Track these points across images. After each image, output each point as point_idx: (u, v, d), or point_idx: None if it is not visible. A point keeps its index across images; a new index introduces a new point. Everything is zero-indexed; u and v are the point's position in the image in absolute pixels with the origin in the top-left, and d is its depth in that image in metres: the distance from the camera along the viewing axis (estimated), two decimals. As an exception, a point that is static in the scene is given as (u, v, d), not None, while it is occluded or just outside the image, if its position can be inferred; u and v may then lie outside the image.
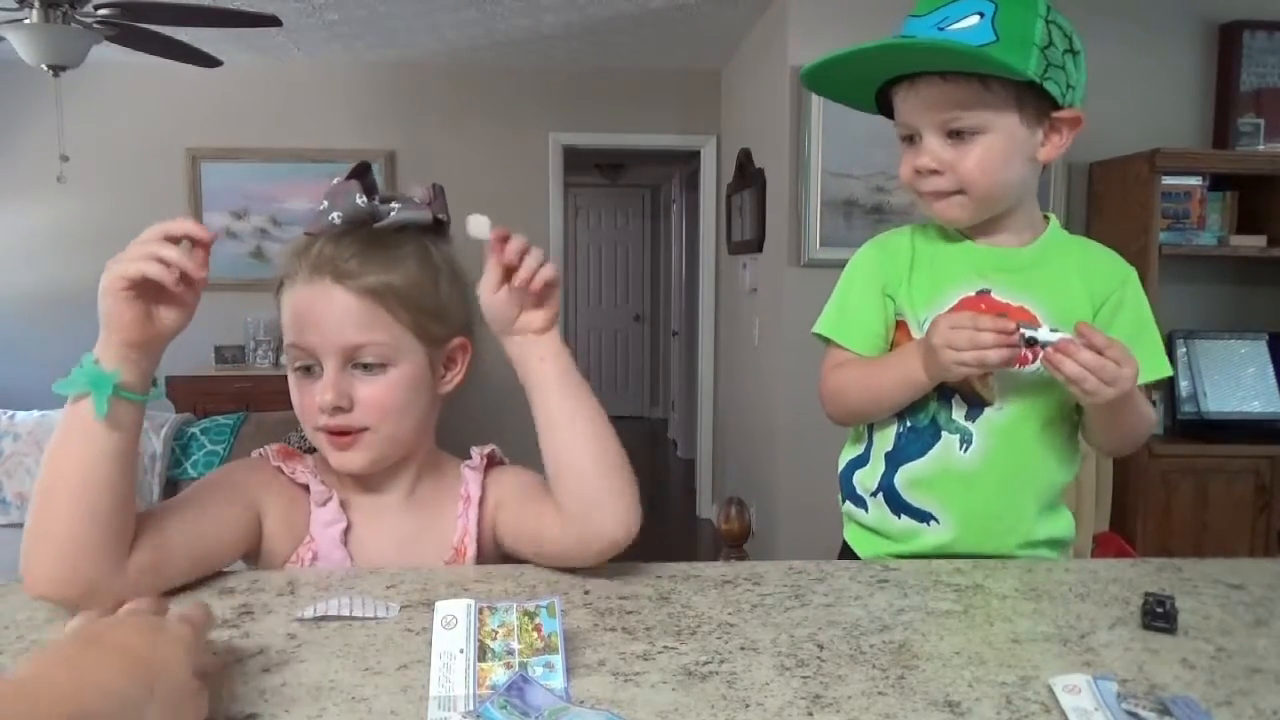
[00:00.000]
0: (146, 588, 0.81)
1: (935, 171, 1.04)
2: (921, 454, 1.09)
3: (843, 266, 1.18)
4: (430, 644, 0.67)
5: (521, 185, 4.69)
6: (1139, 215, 3.06)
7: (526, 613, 0.70)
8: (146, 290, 0.78)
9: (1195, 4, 3.37)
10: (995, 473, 1.07)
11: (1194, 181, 3.13)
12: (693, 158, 5.08)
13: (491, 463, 1.03)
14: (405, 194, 0.95)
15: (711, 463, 4.97)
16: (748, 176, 3.97)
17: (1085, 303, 1.08)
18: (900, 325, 1.12)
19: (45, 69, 2.89)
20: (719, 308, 4.84)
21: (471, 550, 0.97)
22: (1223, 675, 0.71)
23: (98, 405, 0.76)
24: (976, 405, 1.07)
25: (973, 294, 1.08)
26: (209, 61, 3.32)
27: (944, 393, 1.07)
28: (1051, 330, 0.94)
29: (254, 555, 0.94)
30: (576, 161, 5.37)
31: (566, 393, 0.89)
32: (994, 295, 1.07)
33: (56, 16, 2.79)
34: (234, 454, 2.56)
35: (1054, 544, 1.14)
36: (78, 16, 2.84)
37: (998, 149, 1.02)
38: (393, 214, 0.92)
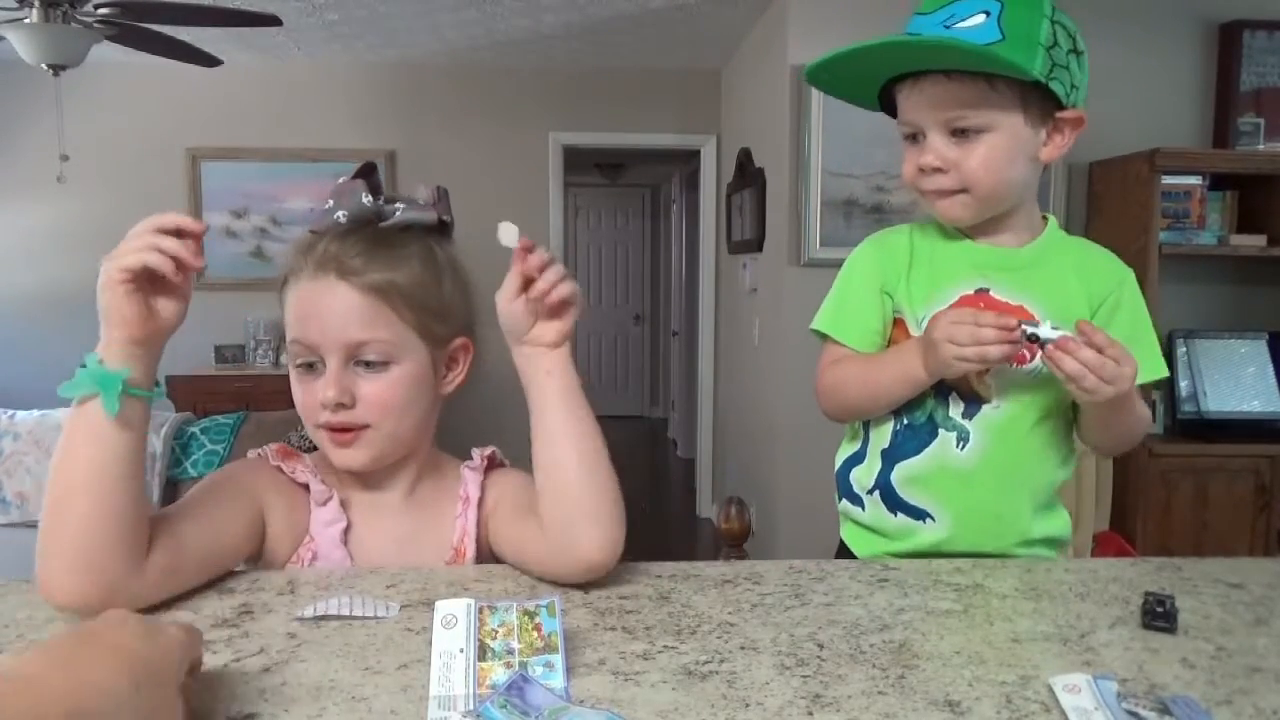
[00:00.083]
0: (165, 590, 0.82)
1: (939, 170, 1.04)
2: (918, 451, 1.09)
3: (842, 266, 1.18)
4: (430, 643, 0.67)
5: (521, 185, 4.69)
6: (1139, 215, 3.06)
7: (526, 612, 0.70)
8: (145, 283, 0.78)
9: (1195, 4, 3.37)
10: (992, 471, 1.07)
11: (1194, 181, 3.14)
12: (693, 157, 5.08)
13: (492, 464, 1.03)
14: (409, 195, 0.95)
15: (711, 462, 4.97)
16: (748, 176, 3.97)
17: (1083, 303, 1.08)
18: (898, 323, 1.12)
19: (45, 69, 2.89)
20: (719, 308, 4.84)
21: (471, 551, 0.97)
22: (1223, 675, 0.71)
23: (108, 404, 0.75)
24: (974, 403, 1.07)
25: (971, 293, 1.08)
26: (209, 61, 3.32)
27: (941, 390, 1.08)
28: (1053, 328, 0.94)
29: (255, 555, 0.94)
30: (576, 161, 5.37)
31: (567, 410, 0.89)
32: (993, 294, 1.07)
33: (56, 16, 2.79)
34: (234, 454, 2.56)
35: (1050, 543, 1.14)
36: (78, 16, 2.84)
37: (1002, 148, 1.02)
38: (398, 214, 0.93)
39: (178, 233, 0.78)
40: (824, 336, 1.16)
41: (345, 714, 0.64)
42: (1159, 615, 0.80)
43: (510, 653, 0.67)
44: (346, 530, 0.95)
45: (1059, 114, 1.03)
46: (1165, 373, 1.09)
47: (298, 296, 0.92)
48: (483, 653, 0.67)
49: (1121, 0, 3.29)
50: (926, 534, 1.10)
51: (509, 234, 0.86)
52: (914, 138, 1.06)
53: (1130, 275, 1.12)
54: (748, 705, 0.65)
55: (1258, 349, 3.29)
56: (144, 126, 4.55)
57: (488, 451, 1.02)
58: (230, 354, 4.50)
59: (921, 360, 1.03)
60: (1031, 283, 1.08)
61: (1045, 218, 1.14)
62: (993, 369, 1.03)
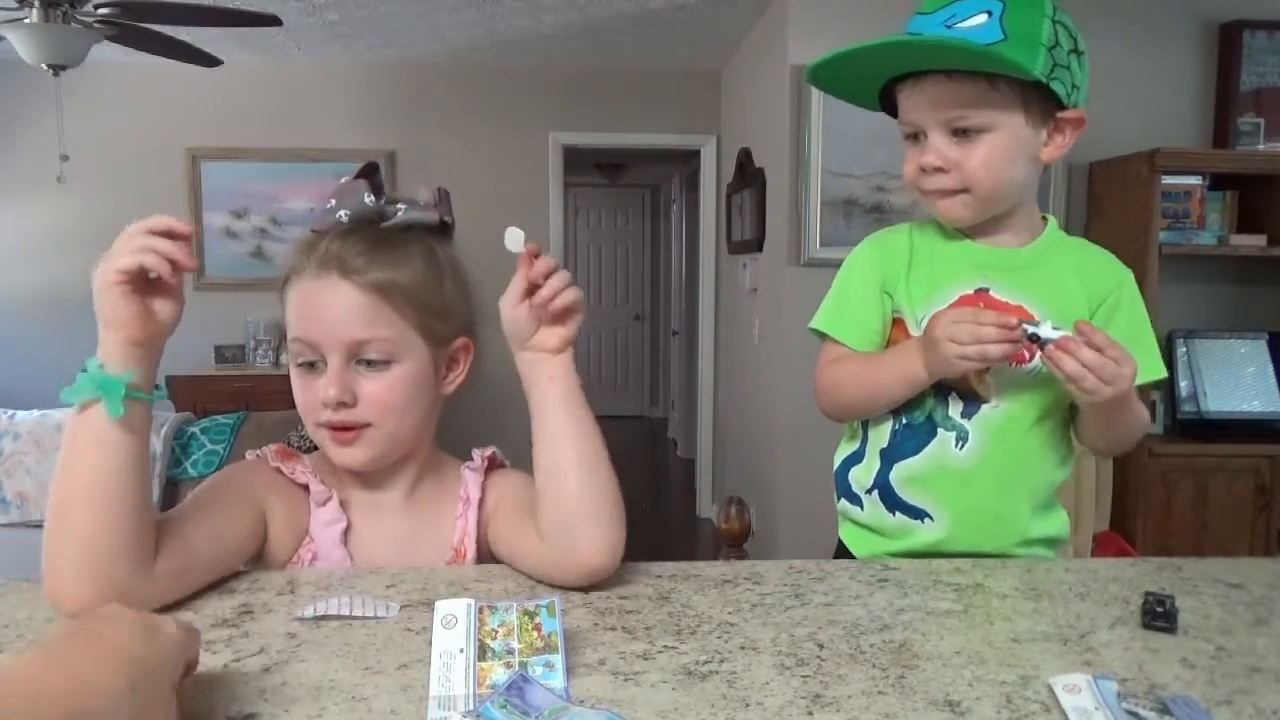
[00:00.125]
0: (173, 593, 0.82)
1: (940, 169, 1.04)
2: (917, 451, 1.09)
3: (842, 265, 1.18)
4: (430, 643, 0.67)
5: (521, 185, 4.69)
6: (1139, 215, 3.06)
7: (526, 612, 0.70)
8: (140, 285, 0.78)
9: (1195, 4, 3.37)
10: (991, 470, 1.07)
11: (1194, 181, 3.14)
12: (693, 157, 5.08)
13: (492, 465, 1.03)
14: (410, 196, 0.95)
15: (711, 462, 4.97)
16: (748, 176, 3.97)
17: (1082, 303, 1.08)
18: (897, 323, 1.12)
19: (45, 69, 2.89)
20: (719, 307, 4.84)
21: (471, 552, 0.97)
22: (1223, 675, 0.71)
23: (111, 408, 0.75)
24: (973, 403, 1.07)
25: (971, 292, 1.08)
26: (209, 61, 3.32)
27: (941, 390, 1.08)
28: (1054, 328, 0.94)
29: (256, 556, 0.94)
30: (576, 161, 5.37)
31: (568, 416, 0.89)
32: (992, 294, 1.07)
33: (56, 16, 2.79)
34: (234, 453, 2.56)
35: (1048, 542, 1.14)
36: (78, 16, 2.84)
37: (1003, 148, 1.02)
38: (399, 214, 0.93)
39: (168, 235, 0.78)
40: (823, 335, 1.16)
41: (345, 714, 0.64)
42: (1159, 615, 0.80)
43: (510, 653, 0.67)
44: (346, 530, 0.95)
45: (1060, 114, 1.03)
46: (1163, 374, 1.09)
47: (300, 295, 0.92)
48: (483, 653, 0.67)
49: (1121, 0, 3.28)
50: (925, 533, 1.10)
51: (515, 239, 0.86)
52: (915, 137, 1.06)
53: (1129, 276, 1.12)
54: (748, 705, 0.65)
55: (1258, 349, 3.29)
56: (144, 126, 4.55)
57: (488, 452, 1.02)
58: (230, 354, 4.50)
59: (922, 359, 1.03)
60: (1031, 283, 1.08)
61: (1045, 218, 1.14)
62: (992, 369, 1.03)
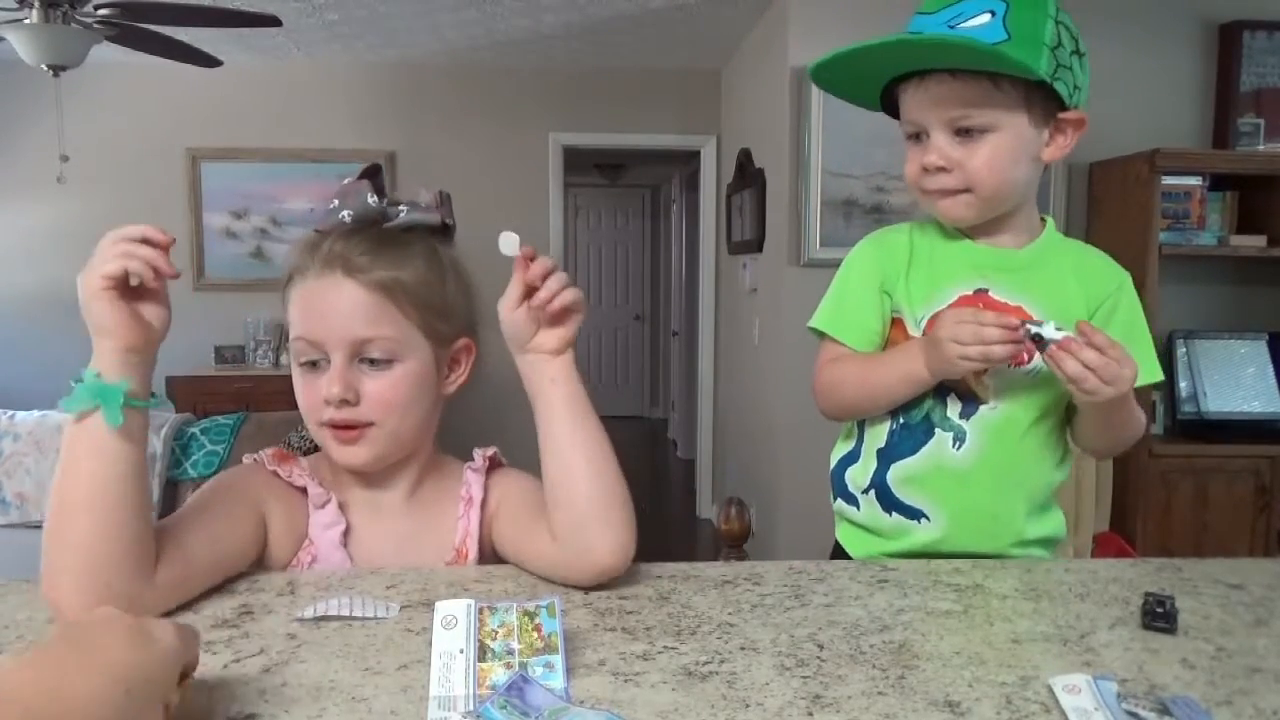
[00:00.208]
0: (174, 600, 0.82)
1: (943, 169, 1.04)
2: (914, 451, 1.09)
3: (841, 264, 1.18)
4: (430, 644, 0.67)
5: (521, 185, 4.69)
6: (1139, 215, 3.06)
7: (526, 613, 0.70)
8: (126, 291, 0.78)
9: (1195, 4, 3.37)
10: (988, 471, 1.07)
11: (1194, 181, 3.13)
12: (693, 158, 5.08)
13: (494, 465, 1.03)
14: (413, 199, 0.96)
15: (711, 463, 4.97)
16: (748, 176, 3.97)
17: (1081, 305, 1.08)
18: (896, 323, 1.12)
19: (45, 69, 2.89)
20: (719, 308, 4.84)
21: (473, 552, 0.97)
22: (1223, 675, 0.71)
23: (110, 417, 0.75)
24: (971, 403, 1.07)
25: (970, 293, 1.08)
26: (209, 61, 3.32)
27: (939, 390, 1.08)
28: (1056, 328, 0.94)
29: (257, 561, 0.94)
30: (576, 161, 5.37)
31: (573, 418, 0.90)
32: (992, 295, 1.07)
33: (56, 16, 2.79)
34: (234, 454, 2.56)
35: (1045, 543, 1.14)
36: (78, 16, 2.84)
37: (1006, 148, 1.02)
38: (402, 215, 0.94)
39: (145, 243, 0.78)
40: (821, 335, 1.16)
41: (345, 714, 0.64)
42: (1159, 616, 0.80)
43: (510, 653, 0.67)
44: (346, 532, 0.95)
45: (1061, 115, 1.03)
46: (1160, 377, 1.09)
47: (303, 294, 0.92)
48: (483, 653, 0.67)
49: (1122, 1, 3.29)
50: (921, 534, 1.10)
51: (510, 243, 0.86)
52: (917, 137, 1.06)
53: (1128, 279, 1.12)
54: (748, 706, 0.65)
55: (1258, 349, 3.29)
56: (144, 126, 4.55)
57: (489, 452, 1.02)
58: (230, 354, 4.50)
59: (924, 359, 1.03)
60: (1030, 284, 1.08)
61: (1043, 219, 1.14)
62: (991, 370, 1.03)
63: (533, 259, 0.87)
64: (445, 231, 0.98)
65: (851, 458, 1.16)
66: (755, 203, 3.81)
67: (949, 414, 1.08)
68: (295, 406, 0.95)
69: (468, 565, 0.96)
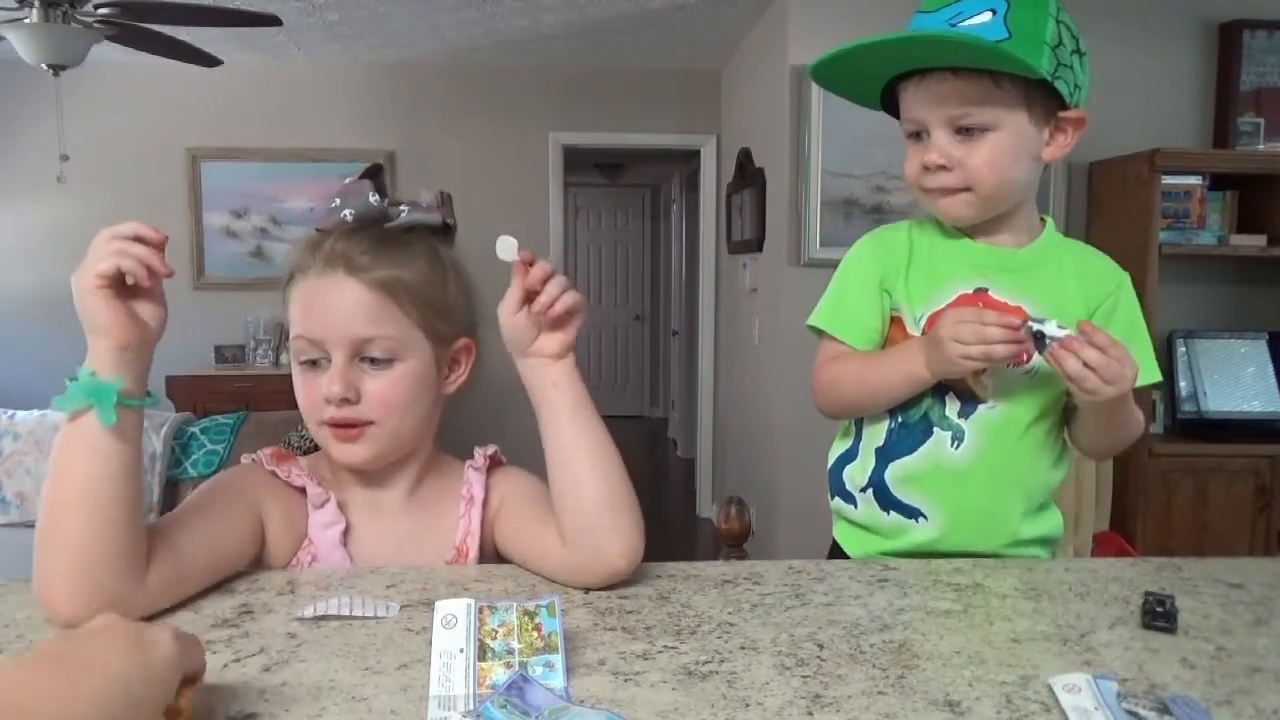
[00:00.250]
0: (167, 600, 0.81)
1: (943, 168, 1.03)
2: (912, 450, 1.09)
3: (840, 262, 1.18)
4: (430, 644, 0.67)
5: (521, 185, 4.69)
6: (1139, 215, 3.06)
7: (526, 612, 0.70)
8: (121, 289, 0.78)
9: (1195, 4, 3.37)
10: (986, 470, 1.07)
11: (1194, 181, 3.13)
12: (693, 158, 5.08)
13: (494, 464, 1.03)
14: (413, 199, 0.96)
15: (711, 462, 4.97)
16: (748, 176, 3.97)
17: (1080, 306, 1.08)
18: (894, 321, 1.12)
19: (45, 69, 2.89)
20: (719, 308, 4.84)
21: (474, 551, 0.97)
22: (1223, 675, 0.71)
23: (104, 415, 0.75)
24: (970, 402, 1.07)
25: (970, 292, 1.08)
26: (209, 61, 3.32)
27: (938, 389, 1.08)
28: (1058, 326, 0.94)
29: (256, 560, 0.94)
30: (576, 161, 5.37)
31: (577, 422, 0.90)
32: (991, 294, 1.07)
33: (56, 16, 2.79)
34: (234, 453, 2.56)
35: (1043, 542, 1.14)
36: (78, 16, 2.84)
37: (1006, 147, 1.02)
38: (403, 214, 0.94)
39: (138, 240, 0.78)
40: (821, 332, 1.16)
41: (345, 714, 0.64)
42: (1159, 615, 0.80)
43: (510, 653, 0.67)
44: (346, 532, 0.95)
45: (1062, 114, 1.03)
46: (1159, 377, 1.09)
47: (304, 292, 0.92)
48: (483, 653, 0.67)
49: (1122, 1, 3.28)
50: (918, 533, 1.10)
51: (507, 248, 0.86)
52: (918, 136, 1.06)
53: (1127, 280, 1.12)
54: (748, 705, 0.65)
55: (1258, 349, 3.29)
56: (144, 126, 4.54)
57: (490, 450, 1.02)
58: (230, 354, 4.50)
59: (925, 359, 1.03)
60: (1030, 284, 1.08)
61: (1043, 220, 1.14)
62: (990, 369, 1.03)
63: (531, 264, 0.87)
64: (446, 232, 0.98)
65: (849, 456, 1.16)
66: (755, 202, 3.81)
67: (947, 413, 1.08)
68: (295, 406, 0.95)
69: (468, 564, 0.96)
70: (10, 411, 2.63)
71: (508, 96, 4.69)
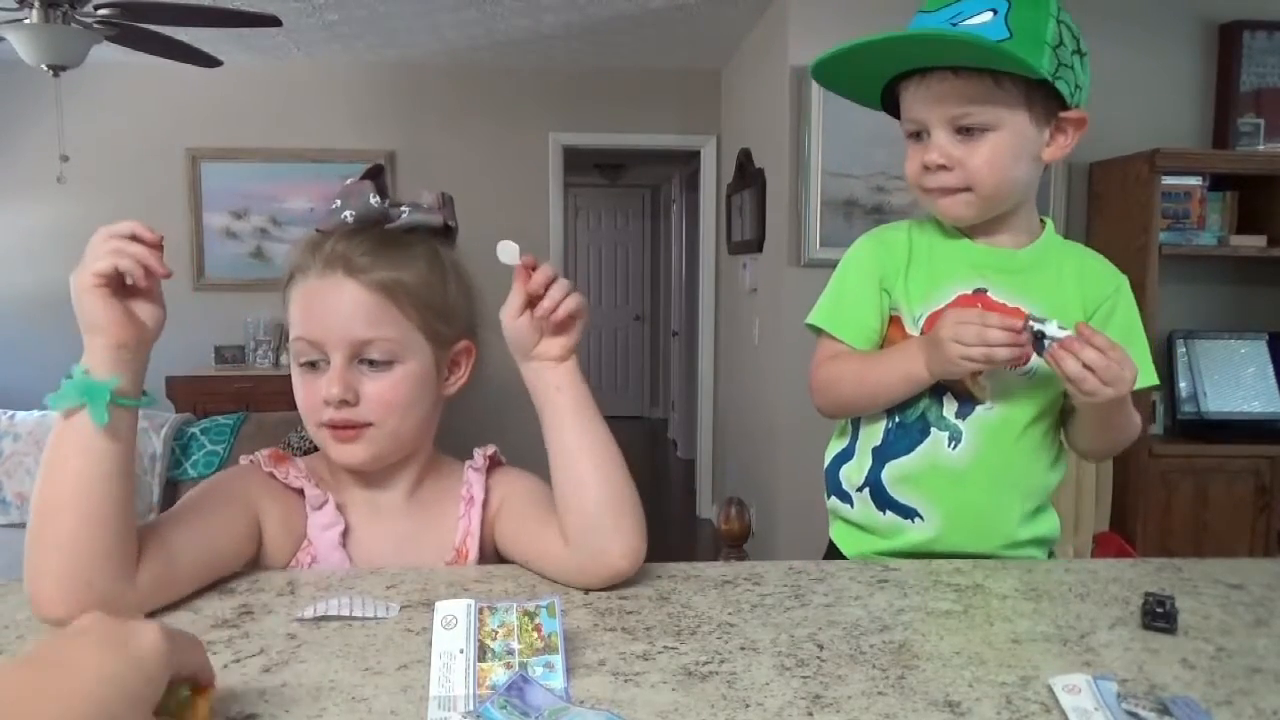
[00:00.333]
0: (158, 600, 0.81)
1: (943, 167, 1.03)
2: (909, 450, 1.09)
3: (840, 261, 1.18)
4: (430, 644, 0.67)
5: (521, 185, 4.69)
6: (1139, 215, 3.06)
7: (526, 613, 0.70)
8: (119, 288, 0.78)
9: (1195, 4, 3.37)
10: (983, 471, 1.07)
11: (1194, 181, 3.13)
12: (693, 158, 5.08)
13: (493, 464, 1.03)
14: (414, 200, 0.96)
15: (711, 463, 4.97)
16: (748, 176, 3.97)
17: (1078, 308, 1.08)
18: (893, 320, 1.12)
19: (45, 69, 2.89)
20: (719, 308, 4.84)
21: (473, 552, 0.97)
22: (1223, 675, 0.71)
23: (96, 414, 0.75)
24: (967, 403, 1.07)
25: (969, 292, 1.08)
26: (209, 61, 3.32)
27: (935, 389, 1.08)
28: (1059, 327, 0.94)
29: (253, 561, 0.94)
30: (576, 161, 5.37)
31: (580, 424, 0.90)
32: (990, 295, 1.07)
33: (56, 16, 2.79)
34: (234, 454, 2.56)
35: (1039, 543, 1.14)
36: (78, 16, 2.84)
37: (1006, 146, 1.02)
38: (404, 215, 0.94)
39: (135, 239, 0.78)
40: (819, 331, 1.16)
41: (345, 714, 0.64)
42: (1159, 616, 0.80)
43: (510, 653, 0.67)
44: (345, 533, 0.95)
45: (1062, 114, 1.03)
46: (1156, 380, 1.09)
47: (304, 293, 0.92)
48: (483, 653, 0.67)
49: (1122, 1, 3.29)
50: (915, 533, 1.10)
51: (509, 252, 0.86)
52: (918, 135, 1.06)
53: (1125, 282, 1.12)
54: (748, 706, 0.65)
55: (1258, 349, 3.29)
56: (144, 126, 4.54)
57: (490, 451, 1.02)
58: (230, 354, 4.50)
59: (924, 359, 1.03)
60: (1030, 286, 1.08)
61: (1042, 221, 1.14)
62: (989, 370, 1.03)
63: (534, 268, 0.87)
64: (447, 233, 0.98)
65: (846, 455, 1.16)
66: (755, 203, 3.81)
67: (945, 413, 1.08)
68: (295, 407, 0.95)
69: (468, 565, 0.96)
70: (10, 412, 2.63)
71: (508, 96, 4.69)
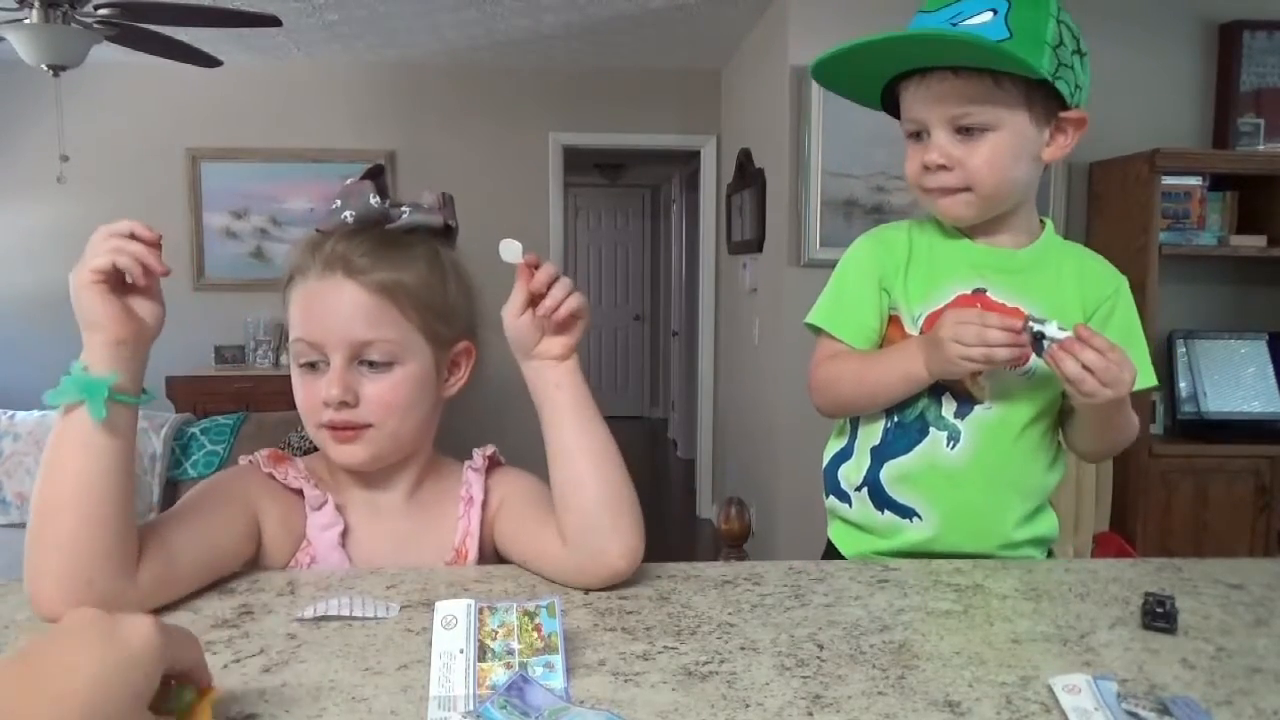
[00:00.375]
0: (158, 599, 0.81)
1: (943, 167, 1.03)
2: (908, 450, 1.09)
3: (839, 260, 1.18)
4: (430, 644, 0.67)
5: (521, 185, 4.69)
6: (1139, 215, 3.06)
7: (526, 613, 0.70)
8: (118, 285, 0.78)
9: (1195, 4, 3.37)
10: (981, 471, 1.07)
11: (1194, 181, 3.14)
12: (693, 158, 5.08)
13: (493, 464, 1.03)
14: (415, 200, 0.96)
15: (711, 463, 4.97)
16: (748, 176, 3.97)
17: (1077, 309, 1.08)
18: (892, 320, 1.12)
19: (45, 69, 2.89)
20: (719, 308, 4.84)
21: (473, 552, 0.97)
22: (1223, 675, 0.71)
23: (94, 410, 0.75)
24: (966, 403, 1.07)
25: (969, 292, 1.08)
26: (209, 61, 3.32)
27: (934, 389, 1.08)
28: (1059, 328, 0.94)
29: (252, 561, 0.94)
30: (576, 161, 5.37)
31: (579, 423, 0.90)
32: (990, 295, 1.07)
33: (56, 16, 2.79)
34: (234, 454, 2.56)
35: (1038, 543, 1.14)
36: (78, 16, 2.84)
37: (1006, 146, 1.02)
38: (404, 216, 0.93)
39: (133, 237, 0.78)
40: (819, 330, 1.16)
41: (345, 714, 0.64)
42: (1159, 616, 0.80)
43: (510, 653, 0.67)
44: (344, 533, 0.95)
45: (1062, 114, 1.03)
46: (1155, 382, 1.09)
47: (304, 294, 0.92)
48: (483, 653, 0.67)
49: (1122, 1, 3.29)
50: (913, 532, 1.10)
51: (511, 251, 0.86)
52: (918, 135, 1.06)
53: (1124, 283, 1.12)
54: (748, 706, 0.65)
55: (1258, 349, 3.29)
56: (144, 126, 4.55)
57: (489, 451, 1.02)
58: (230, 354, 4.50)
59: (924, 359, 1.03)
60: (1029, 286, 1.08)
61: (1042, 221, 1.14)
62: (987, 370, 1.03)
63: (536, 266, 0.87)
64: (448, 233, 0.98)
65: (844, 455, 1.16)
66: (755, 203, 3.81)
67: (944, 413, 1.08)
68: (295, 407, 0.95)
69: (467, 565, 0.96)
70: (10, 412, 2.63)
71: (508, 96, 4.69)
